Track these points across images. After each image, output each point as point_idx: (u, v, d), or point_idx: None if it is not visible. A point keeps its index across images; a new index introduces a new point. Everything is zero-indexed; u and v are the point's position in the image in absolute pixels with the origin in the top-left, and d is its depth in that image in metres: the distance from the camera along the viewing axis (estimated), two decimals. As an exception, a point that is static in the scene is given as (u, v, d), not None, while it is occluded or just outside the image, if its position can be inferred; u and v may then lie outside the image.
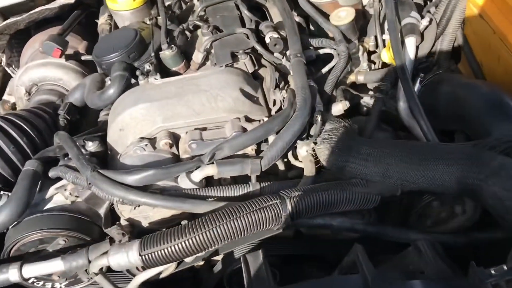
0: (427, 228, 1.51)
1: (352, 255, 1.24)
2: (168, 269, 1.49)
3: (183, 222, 1.27)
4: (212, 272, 1.63)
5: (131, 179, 1.22)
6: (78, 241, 1.35)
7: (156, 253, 1.14)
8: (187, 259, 1.32)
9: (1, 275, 1.23)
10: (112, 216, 1.36)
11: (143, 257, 1.14)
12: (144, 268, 1.29)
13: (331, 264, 1.76)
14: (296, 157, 1.41)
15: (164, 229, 1.18)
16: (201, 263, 1.64)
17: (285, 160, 1.42)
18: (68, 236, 1.33)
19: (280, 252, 1.57)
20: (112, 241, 1.27)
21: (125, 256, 1.16)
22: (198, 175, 1.29)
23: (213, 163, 1.28)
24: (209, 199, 1.28)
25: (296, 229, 1.57)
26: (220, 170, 1.27)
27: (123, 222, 1.33)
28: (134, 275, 1.42)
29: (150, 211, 1.32)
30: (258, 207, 1.17)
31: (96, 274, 1.24)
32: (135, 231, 1.34)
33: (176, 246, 1.13)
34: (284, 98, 1.40)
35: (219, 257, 1.61)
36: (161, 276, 1.49)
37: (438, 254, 1.28)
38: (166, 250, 1.13)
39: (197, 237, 1.13)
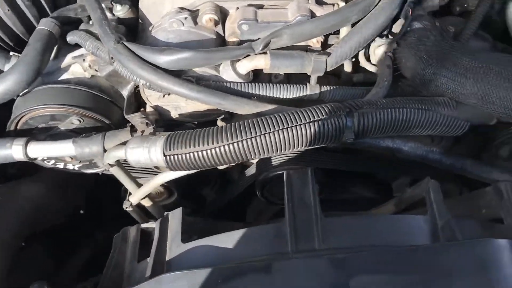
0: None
1: (420, 189, 1.01)
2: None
3: (219, 123, 1.05)
4: (244, 174, 1.44)
5: (163, 59, 0.97)
6: (95, 123, 1.14)
7: (183, 156, 0.92)
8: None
9: (4, 150, 1.05)
10: (137, 101, 1.13)
11: (168, 158, 0.93)
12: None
13: (382, 184, 1.56)
14: (368, 58, 1.12)
15: (196, 129, 0.95)
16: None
17: (353, 59, 1.14)
18: (83, 116, 1.11)
19: (326, 166, 1.35)
20: (133, 130, 1.06)
21: (147, 152, 0.95)
22: (245, 65, 1.02)
23: (266, 52, 1.00)
24: (255, 98, 1.02)
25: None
26: (274, 63, 1.00)
27: (148, 109, 1.10)
28: (157, 170, 1.24)
29: (182, 101, 1.08)
30: (317, 117, 0.91)
31: (112, 165, 1.05)
32: (162, 122, 1.12)
33: (207, 152, 0.91)
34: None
35: (254, 160, 1.41)
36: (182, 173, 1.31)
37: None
38: (195, 155, 0.91)
39: (234, 145, 0.90)
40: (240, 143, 0.90)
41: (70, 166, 1.25)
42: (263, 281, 0.85)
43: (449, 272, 0.81)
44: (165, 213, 1.10)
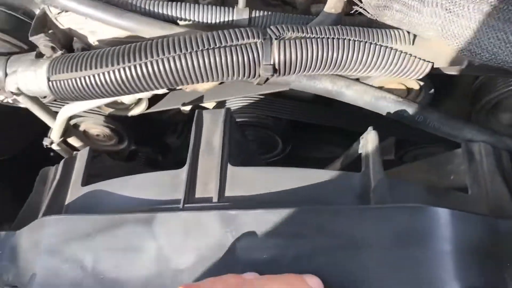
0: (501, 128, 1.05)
1: (361, 142, 0.83)
2: (138, 108, 1.17)
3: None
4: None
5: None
6: (11, 48, 1.01)
7: (66, 81, 0.78)
8: (124, 99, 0.97)
9: None
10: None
11: (51, 83, 0.79)
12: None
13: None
14: (324, -18, 0.93)
15: (87, 52, 0.80)
16: (187, 108, 1.30)
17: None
18: (-6, 38, 0.99)
19: (286, 116, 1.18)
20: (40, 55, 0.93)
21: (34, 76, 0.82)
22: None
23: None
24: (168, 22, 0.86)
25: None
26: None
27: (58, 32, 0.96)
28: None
29: (98, 25, 0.93)
30: (225, 43, 0.75)
31: (15, 94, 0.92)
32: (79, 50, 0.98)
33: (94, 78, 0.77)
34: None
35: (211, 105, 1.26)
36: (131, 113, 1.18)
37: (500, 167, 0.83)
38: (81, 81, 0.77)
39: (123, 71, 0.75)
40: (128, 69, 0.75)
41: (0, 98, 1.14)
42: (140, 234, 0.71)
43: (362, 240, 0.64)
44: (74, 153, 0.98)
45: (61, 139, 1.06)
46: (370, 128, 0.80)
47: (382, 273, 0.62)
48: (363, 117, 1.18)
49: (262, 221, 0.68)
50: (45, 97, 1.02)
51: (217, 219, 0.69)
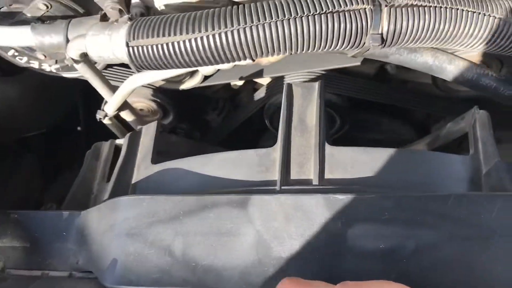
0: None
1: (464, 122, 0.76)
2: (192, 80, 1.09)
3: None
4: (253, 98, 1.22)
5: None
6: (66, 11, 0.93)
7: (148, 48, 0.70)
8: (203, 70, 0.89)
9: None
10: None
11: (131, 49, 0.71)
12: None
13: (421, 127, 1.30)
14: None
15: (170, 15, 0.72)
16: (241, 83, 1.22)
17: None
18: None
19: (350, 93, 1.11)
20: (105, 18, 0.85)
21: (108, 41, 0.73)
22: None
23: None
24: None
25: (381, 65, 1.08)
26: None
27: (126, -6, 0.87)
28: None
29: (166, -13, 0.85)
30: (334, 8, 0.67)
31: (76, 61, 0.84)
32: (138, 15, 0.90)
33: (178, 45, 0.69)
34: None
35: (265, 81, 1.19)
36: (183, 87, 1.10)
37: None
38: (163, 48, 0.69)
39: (216, 37, 0.67)
40: (225, 34, 0.67)
41: (45, 67, 1.05)
42: (235, 218, 0.64)
43: (490, 230, 0.58)
44: (138, 127, 0.90)
45: (116, 112, 0.98)
46: (475, 107, 0.73)
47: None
48: (424, 96, 1.12)
49: (376, 207, 0.61)
50: (95, 63, 0.94)
51: (322, 204, 0.63)
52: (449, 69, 0.79)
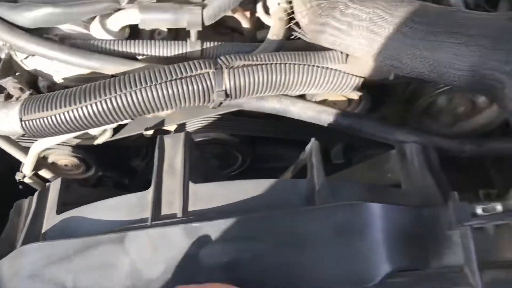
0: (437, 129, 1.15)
1: (306, 151, 0.93)
2: (103, 136, 1.24)
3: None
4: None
5: (21, 17, 0.90)
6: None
7: (38, 120, 0.86)
8: (92, 131, 1.05)
9: None
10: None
11: (24, 123, 0.87)
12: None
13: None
14: (267, 11, 1.04)
15: (56, 92, 0.88)
16: (150, 132, 1.37)
17: (254, 15, 1.05)
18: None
19: (242, 132, 1.27)
20: (9, 97, 1.00)
21: (5, 117, 0.89)
22: (117, 21, 0.94)
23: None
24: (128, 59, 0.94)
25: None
26: (145, 18, 0.92)
27: (24, 73, 1.03)
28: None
29: (62, 65, 1.01)
30: (181, 75, 0.84)
31: (-15, 134, 0.99)
32: (45, 88, 1.06)
33: (64, 115, 0.84)
34: None
35: (173, 128, 1.34)
36: (96, 142, 1.25)
37: (428, 163, 0.94)
38: (52, 119, 0.85)
39: (90, 107, 0.83)
40: (96, 104, 0.83)
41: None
42: (113, 252, 0.79)
43: (307, 237, 0.74)
44: (47, 184, 1.05)
45: (33, 172, 1.12)
46: (312, 139, 0.90)
47: (326, 265, 0.71)
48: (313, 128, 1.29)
49: (222, 229, 0.76)
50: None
51: (181, 232, 0.78)
52: (293, 110, 0.96)
